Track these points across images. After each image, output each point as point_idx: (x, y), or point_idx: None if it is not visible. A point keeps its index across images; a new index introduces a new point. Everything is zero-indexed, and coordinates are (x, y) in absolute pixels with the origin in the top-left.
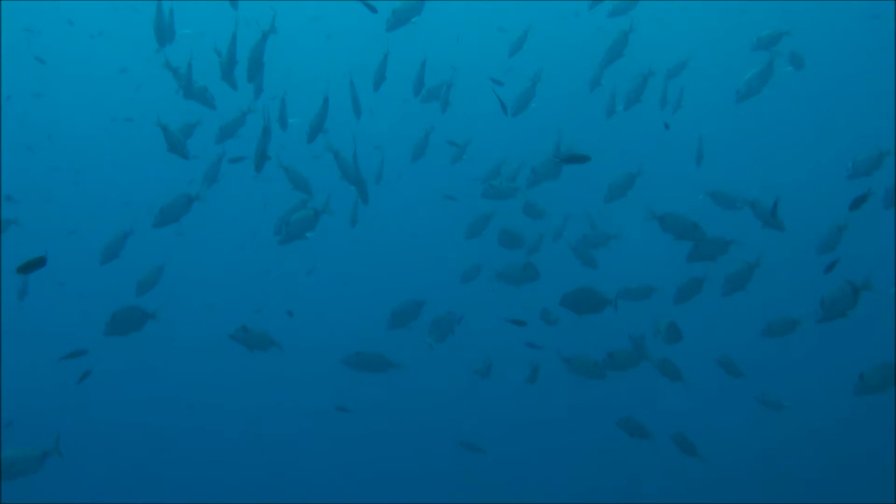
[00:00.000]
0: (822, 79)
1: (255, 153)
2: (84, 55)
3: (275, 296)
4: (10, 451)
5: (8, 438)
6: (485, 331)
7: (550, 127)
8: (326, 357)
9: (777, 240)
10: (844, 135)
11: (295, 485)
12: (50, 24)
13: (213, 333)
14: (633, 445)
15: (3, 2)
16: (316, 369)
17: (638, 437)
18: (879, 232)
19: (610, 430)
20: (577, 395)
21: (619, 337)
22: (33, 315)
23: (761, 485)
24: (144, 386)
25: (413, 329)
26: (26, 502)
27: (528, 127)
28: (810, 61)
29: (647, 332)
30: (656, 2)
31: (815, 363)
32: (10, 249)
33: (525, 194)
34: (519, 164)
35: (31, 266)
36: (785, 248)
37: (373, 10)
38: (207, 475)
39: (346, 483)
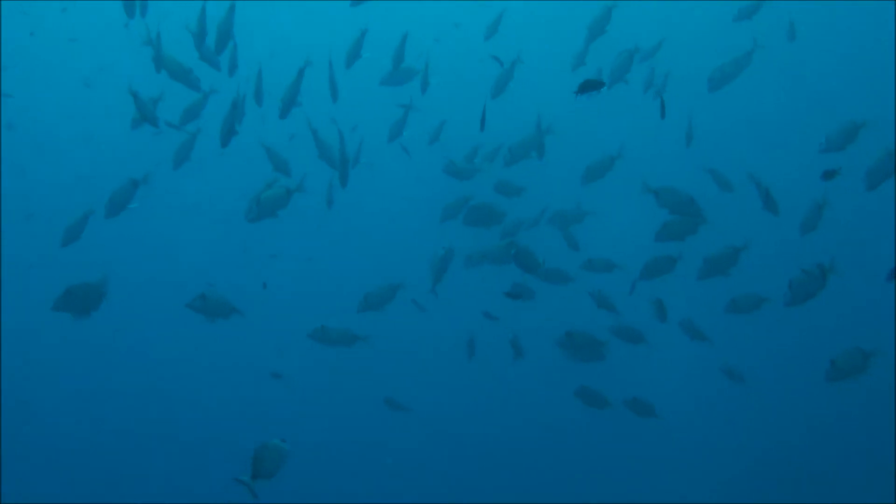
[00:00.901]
0: (817, 56)
1: (222, 128)
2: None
3: (246, 274)
4: None
5: None
6: (457, 310)
7: (531, 108)
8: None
9: (761, 219)
10: (836, 115)
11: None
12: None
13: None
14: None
15: None
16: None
17: (596, 407)
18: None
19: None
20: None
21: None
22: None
23: (759, 484)
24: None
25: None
26: (26, 502)
27: (509, 108)
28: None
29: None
30: None
31: (816, 364)
32: None
33: (494, 172)
34: (498, 145)
35: None
36: (770, 227)
37: None
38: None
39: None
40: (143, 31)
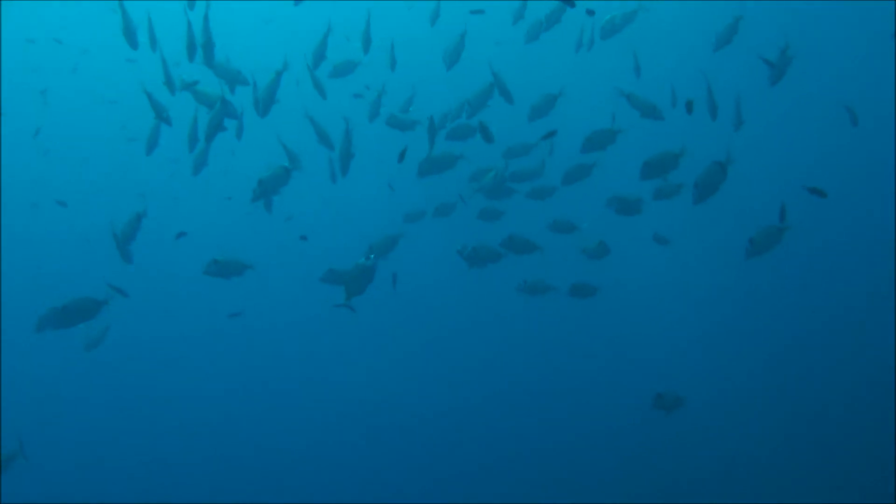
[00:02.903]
0: None
1: (209, 125)
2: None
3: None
4: None
5: None
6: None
7: (485, 68)
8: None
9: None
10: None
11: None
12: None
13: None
14: None
15: None
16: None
17: (539, 294)
18: None
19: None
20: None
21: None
22: None
23: (759, 483)
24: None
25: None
26: (26, 502)
27: (466, 73)
28: None
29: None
30: None
31: (818, 370)
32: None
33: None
34: (460, 103)
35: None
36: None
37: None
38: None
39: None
40: (172, 76)
